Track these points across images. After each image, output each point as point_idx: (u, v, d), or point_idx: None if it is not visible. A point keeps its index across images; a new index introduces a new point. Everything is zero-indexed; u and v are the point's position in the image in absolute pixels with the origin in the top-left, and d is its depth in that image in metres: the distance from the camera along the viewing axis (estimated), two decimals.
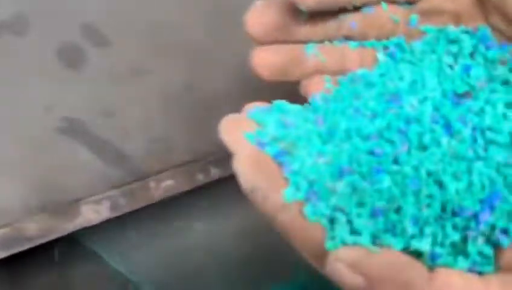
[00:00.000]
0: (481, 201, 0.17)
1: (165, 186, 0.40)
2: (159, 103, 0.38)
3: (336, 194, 0.18)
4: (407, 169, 0.17)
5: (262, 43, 0.22)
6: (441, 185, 0.17)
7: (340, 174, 0.18)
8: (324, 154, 0.19)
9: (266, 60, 0.22)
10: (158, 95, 0.38)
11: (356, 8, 0.22)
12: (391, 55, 0.23)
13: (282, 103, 0.21)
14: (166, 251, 0.48)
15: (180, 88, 0.38)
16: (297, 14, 0.22)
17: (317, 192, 0.18)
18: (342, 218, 0.18)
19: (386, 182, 0.17)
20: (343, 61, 0.23)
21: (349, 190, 0.18)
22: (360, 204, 0.18)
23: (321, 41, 0.23)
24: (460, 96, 0.20)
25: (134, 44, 0.35)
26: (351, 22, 0.23)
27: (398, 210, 0.17)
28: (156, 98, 0.38)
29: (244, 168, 0.18)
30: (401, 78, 0.21)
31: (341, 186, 0.18)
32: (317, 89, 0.23)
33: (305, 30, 0.22)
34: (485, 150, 0.18)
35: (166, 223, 0.47)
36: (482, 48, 0.21)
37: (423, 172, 0.17)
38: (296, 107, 0.21)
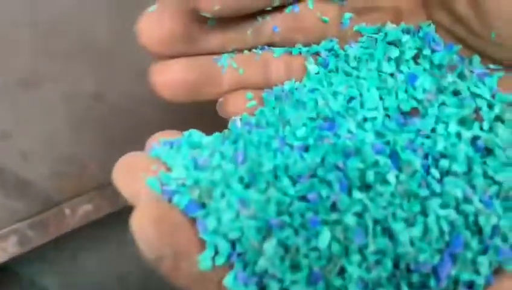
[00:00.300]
0: (440, 251, 0.14)
1: (82, 212, 0.35)
2: (63, 117, 0.33)
3: (265, 256, 0.14)
4: (349, 218, 0.14)
5: (162, 57, 0.17)
6: (391, 235, 0.14)
7: (268, 230, 0.14)
8: (247, 203, 0.15)
9: (169, 79, 0.17)
10: (60, 108, 0.33)
11: (277, 8, 0.18)
12: (323, 64, 0.19)
13: (195, 133, 0.17)
14: (103, 271, 0.43)
15: (87, 98, 0.33)
16: (203, 20, 0.17)
17: (241, 255, 0.14)
18: (274, 286, 0.14)
19: (325, 237, 0.14)
20: (266, 72, 0.19)
21: (281, 251, 0.14)
22: (295, 268, 0.14)
23: (238, 51, 0.19)
24: (407, 114, 0.17)
25: (21, 50, 0.29)
26: (272, 25, 0.18)
27: (341, 272, 0.14)
28: (58, 112, 0.33)
29: (145, 230, 0.14)
30: (335, 95, 0.17)
31: (270, 245, 0.14)
32: (237, 108, 0.18)
33: (215, 39, 0.18)
34: (440, 182, 0.15)
35: (102, 244, 0.43)
36: (427, 50, 0.17)
37: (369, 220, 0.14)
38: (211, 139, 0.17)
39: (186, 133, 0.17)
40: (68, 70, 0.32)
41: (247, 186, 0.15)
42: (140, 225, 0.14)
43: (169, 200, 0.15)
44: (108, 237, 0.39)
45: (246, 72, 0.19)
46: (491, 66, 0.17)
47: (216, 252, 0.14)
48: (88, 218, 0.35)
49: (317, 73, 0.19)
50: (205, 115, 0.21)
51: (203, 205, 0.15)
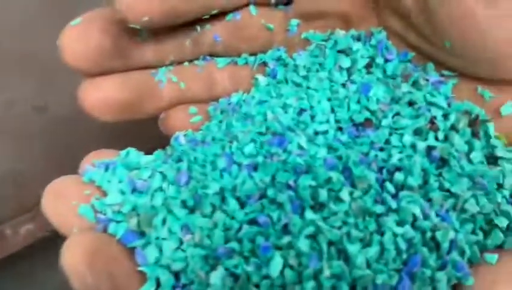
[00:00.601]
0: (398, 270, 0.13)
1: (24, 231, 0.33)
2: (1, 130, 0.30)
3: (212, 287, 0.13)
4: (302, 241, 0.13)
5: (91, 74, 0.16)
6: (346, 257, 0.13)
7: (215, 258, 0.13)
8: (191, 230, 0.13)
9: (99, 98, 0.16)
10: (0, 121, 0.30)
11: (216, 16, 0.17)
12: (271, 74, 0.18)
13: (133, 152, 0.16)
14: None
15: (28, 109, 0.31)
16: (134, 32, 0.16)
17: (187, 287, 0.13)
18: None
19: (277, 263, 0.13)
20: (210, 85, 0.18)
21: (230, 281, 0.13)
22: None
23: (178, 63, 0.17)
24: (360, 125, 0.16)
25: None
26: (213, 34, 0.17)
27: None
28: None
29: (77, 265, 0.13)
30: (285, 107, 0.16)
31: (217, 276, 0.13)
32: (181, 124, 0.17)
33: (150, 51, 0.16)
34: (396, 197, 0.14)
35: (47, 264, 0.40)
36: (379, 59, 0.17)
37: (323, 243, 0.13)
38: (150, 158, 0.15)
39: (122, 152, 0.16)
40: (7, 80, 0.30)
41: (191, 211, 0.14)
42: (72, 259, 0.13)
43: (105, 230, 0.14)
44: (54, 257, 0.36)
45: (188, 85, 0.17)
46: (445, 72, 0.16)
47: (158, 286, 0.13)
48: (31, 238, 0.32)
49: (268, 84, 0.17)
50: (157, 127, 0.19)
51: (143, 234, 0.14)
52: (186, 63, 0.17)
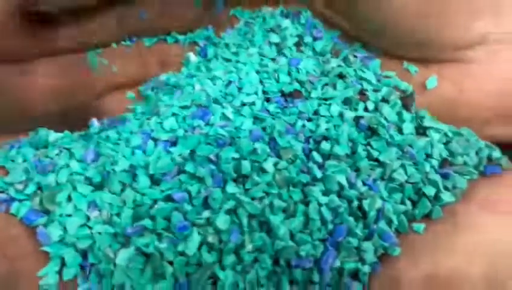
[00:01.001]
0: (323, 241, 0.13)
1: None
2: None
3: (119, 267, 0.12)
4: (221, 218, 0.12)
5: (15, 60, 0.14)
6: (269, 229, 0.12)
7: (125, 237, 0.12)
8: (99, 206, 0.12)
9: (38, 84, 0.14)
10: None
11: None
12: (201, 53, 0.17)
13: (42, 131, 0.15)
14: None
15: None
16: (47, 15, 0.14)
17: (95, 266, 0.12)
18: None
19: (194, 241, 0.12)
20: (142, 65, 0.16)
21: (139, 261, 0.12)
22: (158, 278, 0.12)
23: (105, 45, 0.16)
24: (288, 96, 0.15)
25: None
26: (139, 10, 0.16)
27: (214, 280, 0.12)
28: None
29: None
30: (213, 80, 0.15)
31: (124, 256, 0.12)
32: (118, 111, 0.16)
33: (69, 32, 0.15)
34: (323, 167, 0.13)
35: None
36: (308, 38, 0.17)
37: (243, 216, 0.12)
38: (60, 135, 0.14)
39: (32, 132, 0.15)
40: None
41: (99, 187, 0.13)
42: None
43: (7, 210, 0.13)
44: None
45: (120, 68, 0.16)
46: (372, 48, 0.16)
47: (63, 266, 0.12)
48: None
49: (198, 62, 0.17)
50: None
51: (47, 212, 0.12)
52: (114, 45, 0.16)
